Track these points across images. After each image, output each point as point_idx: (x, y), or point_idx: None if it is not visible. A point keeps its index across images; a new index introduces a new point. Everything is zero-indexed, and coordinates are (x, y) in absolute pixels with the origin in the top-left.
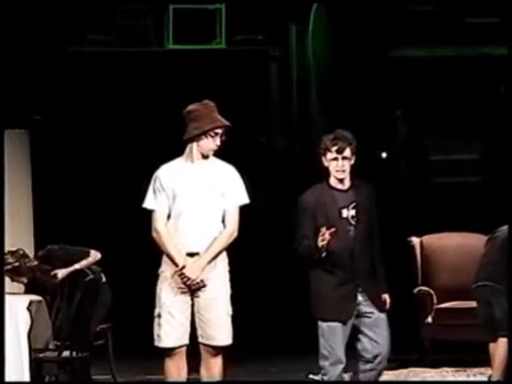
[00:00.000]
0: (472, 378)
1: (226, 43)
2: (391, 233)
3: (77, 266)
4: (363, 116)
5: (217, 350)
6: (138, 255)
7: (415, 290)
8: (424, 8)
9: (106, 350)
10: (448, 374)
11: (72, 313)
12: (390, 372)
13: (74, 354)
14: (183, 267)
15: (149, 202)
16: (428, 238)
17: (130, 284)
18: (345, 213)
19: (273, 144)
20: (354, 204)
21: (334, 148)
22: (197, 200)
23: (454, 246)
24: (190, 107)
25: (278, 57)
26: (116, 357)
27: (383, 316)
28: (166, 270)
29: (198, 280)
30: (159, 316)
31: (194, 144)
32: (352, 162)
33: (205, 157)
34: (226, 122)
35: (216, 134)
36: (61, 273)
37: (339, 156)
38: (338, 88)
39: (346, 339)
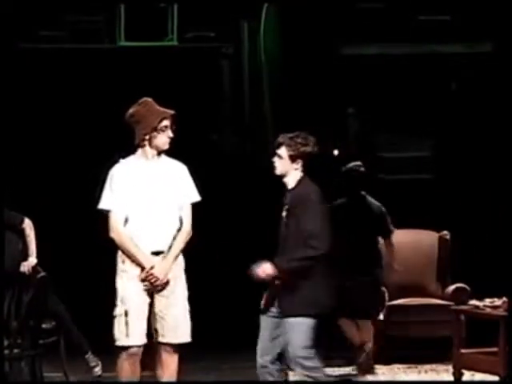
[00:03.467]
0: (423, 374)
1: (178, 40)
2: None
3: (33, 252)
4: (315, 114)
5: (176, 348)
6: (90, 253)
7: None
8: (375, 5)
9: (58, 347)
10: (399, 370)
11: (22, 310)
12: (341, 368)
13: (25, 351)
14: (152, 268)
15: (106, 203)
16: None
17: (83, 281)
18: (283, 212)
19: (224, 141)
20: (286, 206)
21: (275, 143)
22: (155, 198)
23: (405, 243)
24: (130, 111)
25: (230, 54)
26: (68, 354)
27: (289, 320)
28: (129, 269)
29: (166, 279)
30: (126, 314)
31: (147, 144)
32: (294, 165)
33: (159, 154)
34: (171, 111)
35: (166, 126)
36: (23, 267)
37: (276, 152)
38: (289, 86)
39: (274, 333)
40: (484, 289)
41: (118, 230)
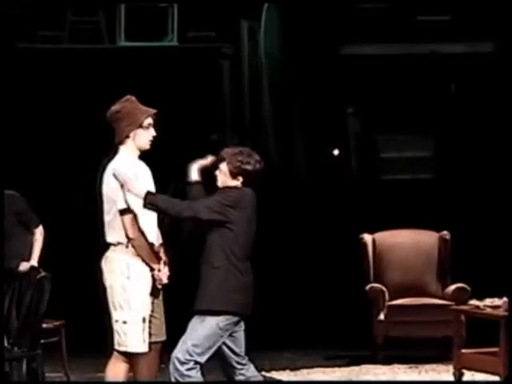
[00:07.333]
0: (424, 375)
1: (178, 40)
2: (343, 230)
3: (36, 257)
4: (315, 113)
5: (160, 346)
6: (90, 254)
7: (367, 287)
8: (375, 5)
9: (59, 347)
10: (400, 370)
11: (23, 310)
12: (341, 368)
13: (26, 351)
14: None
15: (125, 203)
16: (380, 235)
17: (83, 282)
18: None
19: (225, 141)
20: None
21: (218, 156)
22: None
23: (405, 243)
24: (115, 107)
25: (230, 54)
26: (69, 354)
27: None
28: (137, 272)
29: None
30: (144, 321)
31: (130, 141)
32: (234, 181)
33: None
34: (154, 110)
35: (150, 124)
36: (23, 266)
37: (218, 166)
38: (289, 85)
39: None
40: (484, 289)
41: (138, 231)
